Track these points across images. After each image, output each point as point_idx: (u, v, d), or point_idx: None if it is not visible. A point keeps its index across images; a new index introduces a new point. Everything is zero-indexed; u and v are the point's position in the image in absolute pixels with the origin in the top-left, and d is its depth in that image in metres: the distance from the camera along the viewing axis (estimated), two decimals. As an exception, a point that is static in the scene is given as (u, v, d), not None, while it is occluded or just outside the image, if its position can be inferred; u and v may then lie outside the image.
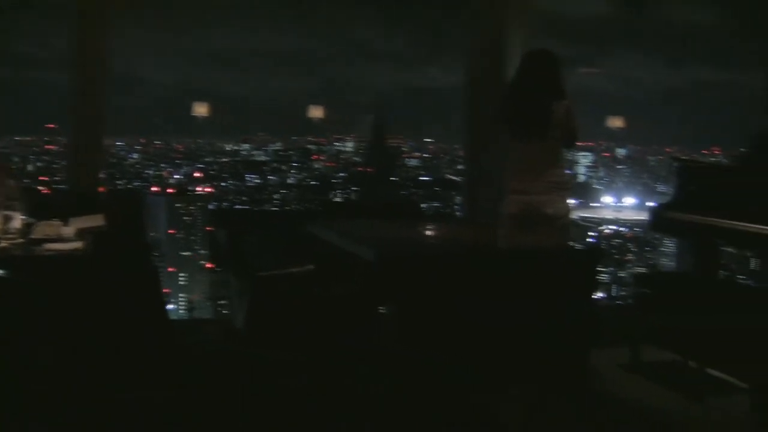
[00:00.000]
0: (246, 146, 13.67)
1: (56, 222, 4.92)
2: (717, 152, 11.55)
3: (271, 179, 13.45)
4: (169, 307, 10.95)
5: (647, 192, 12.99)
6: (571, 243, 5.68)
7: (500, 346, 4.59)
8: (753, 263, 7.46)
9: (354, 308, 5.40)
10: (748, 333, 5.03)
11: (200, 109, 12.69)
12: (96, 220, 5.20)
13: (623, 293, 11.48)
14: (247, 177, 13.36)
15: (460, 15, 7.69)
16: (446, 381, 4.62)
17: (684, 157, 6.56)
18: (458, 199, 10.91)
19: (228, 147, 13.69)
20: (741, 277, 8.30)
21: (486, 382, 4.74)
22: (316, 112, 13.32)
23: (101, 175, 6.75)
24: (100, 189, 6.68)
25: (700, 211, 5.67)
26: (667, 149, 12.83)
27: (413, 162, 13.83)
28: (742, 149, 6.32)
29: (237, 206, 12.92)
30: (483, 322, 4.49)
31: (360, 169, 13.73)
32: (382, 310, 5.15)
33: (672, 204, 6.10)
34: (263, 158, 13.59)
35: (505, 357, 4.63)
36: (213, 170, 13.48)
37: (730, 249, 7.16)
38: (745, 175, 5.78)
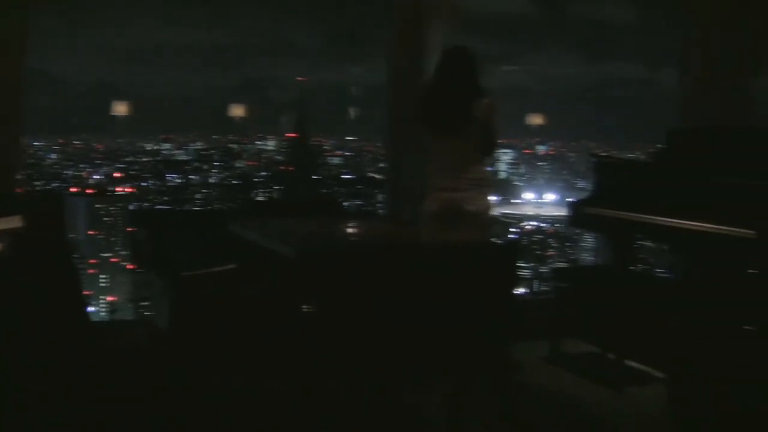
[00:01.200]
0: (167, 145, 13.53)
1: (-28, 224, 4.84)
2: (635, 148, 11.72)
3: (193, 179, 13.33)
4: (91, 309, 10.81)
5: (568, 188, 13.13)
6: (492, 239, 5.75)
7: (423, 342, 4.62)
8: (669, 257, 7.60)
9: (276, 307, 5.39)
10: (665, 324, 5.14)
11: (120, 108, 12.53)
12: (13, 222, 5.12)
13: (545, 288, 11.60)
14: (169, 177, 13.23)
15: (381, 12, 7.70)
16: (369, 379, 4.64)
17: (602, 153, 6.65)
18: (381, 196, 10.92)
19: (148, 146, 13.53)
20: (659, 270, 8.45)
21: (410, 379, 4.77)
22: (237, 111, 13.23)
23: (18, 176, 6.63)
24: (18, 190, 6.56)
25: (617, 206, 5.76)
26: (587, 145, 12.99)
27: (336, 160, 13.80)
28: (658, 145, 6.43)
29: (158, 206, 12.78)
30: (406, 318, 4.52)
31: (282, 167, 13.67)
32: (304, 308, 5.15)
33: (590, 199, 6.19)
34: (184, 157, 13.46)
35: (428, 353, 4.67)
36: (134, 170, 13.32)
37: (648, 243, 7.29)
38: (659, 171, 5.89)
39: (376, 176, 12.48)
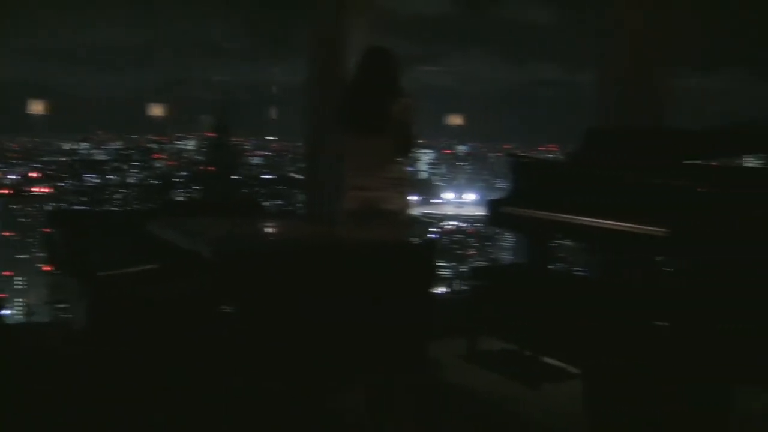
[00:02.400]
0: (85, 145, 13.36)
1: None
2: (553, 149, 11.87)
3: (111, 179, 13.19)
4: (6, 312, 10.64)
5: (488, 188, 13.26)
6: (411, 238, 5.78)
7: (342, 341, 4.63)
8: (586, 255, 7.70)
9: (196, 307, 5.36)
10: (580, 322, 5.22)
11: (36, 107, 12.35)
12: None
13: (465, 287, 11.68)
14: (86, 177, 13.06)
15: (302, 13, 7.70)
16: (290, 377, 4.64)
17: (519, 154, 6.72)
18: (301, 196, 10.94)
19: (66, 146, 13.35)
20: (577, 269, 8.56)
21: (330, 377, 4.78)
22: (156, 110, 13.13)
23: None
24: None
25: (533, 206, 5.83)
26: (506, 146, 13.13)
27: (256, 160, 13.77)
28: (574, 145, 6.51)
29: (76, 207, 12.61)
30: (325, 317, 4.53)
31: (202, 167, 13.59)
32: (224, 308, 5.13)
33: (507, 199, 6.25)
34: (103, 157, 13.31)
35: (347, 351, 4.68)
36: (51, 170, 13.13)
37: (565, 242, 7.38)
38: (575, 170, 5.97)
39: (297, 176, 12.48)
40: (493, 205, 6.24)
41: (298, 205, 11.59)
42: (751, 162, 8.61)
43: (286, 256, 4.83)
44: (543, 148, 12.08)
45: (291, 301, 4.57)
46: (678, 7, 7.27)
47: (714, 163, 5.76)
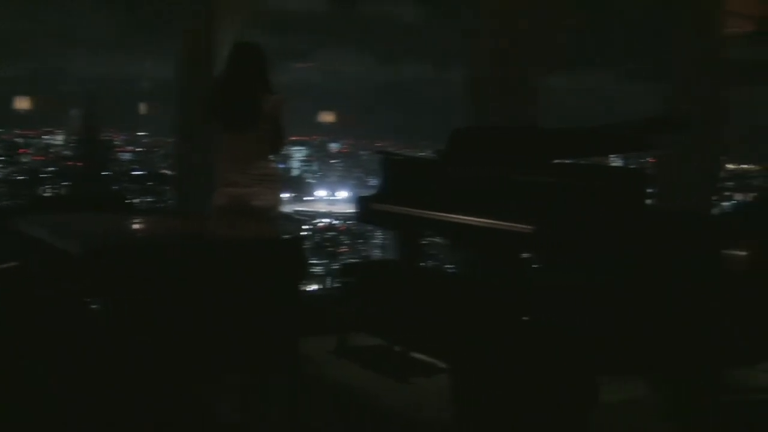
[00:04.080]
0: (-54, 139, 12.95)
1: None
2: (425, 146, 11.97)
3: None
4: None
5: (360, 185, 13.31)
6: (281, 235, 5.78)
7: (211, 339, 4.60)
8: (455, 252, 7.81)
9: (63, 304, 5.26)
10: (450, 318, 5.29)
11: None
12: None
13: (336, 284, 11.72)
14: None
15: (174, 7, 7.61)
16: (159, 374, 4.59)
17: (389, 151, 6.77)
18: (172, 192, 10.81)
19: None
20: (448, 265, 8.68)
21: (201, 373, 4.74)
22: (23, 103, 12.80)
23: None
24: None
25: (403, 203, 5.88)
26: (378, 143, 13.20)
27: (126, 156, 13.55)
28: (444, 143, 6.58)
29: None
30: (192, 314, 4.49)
31: (71, 163, 13.31)
32: (92, 304, 5.04)
33: (378, 196, 6.29)
34: (-35, 152, 12.92)
35: (216, 349, 4.66)
36: None
37: (437, 239, 7.47)
38: (444, 168, 6.04)
39: (168, 172, 12.32)
40: (363, 202, 6.27)
41: (169, 201, 11.45)
42: (616, 161, 8.88)
43: (155, 252, 4.78)
44: (415, 146, 12.16)
45: (157, 298, 4.52)
46: (544, 8, 7.44)
47: (581, 162, 5.90)
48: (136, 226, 5.87)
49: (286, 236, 5.56)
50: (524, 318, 4.98)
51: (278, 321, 4.77)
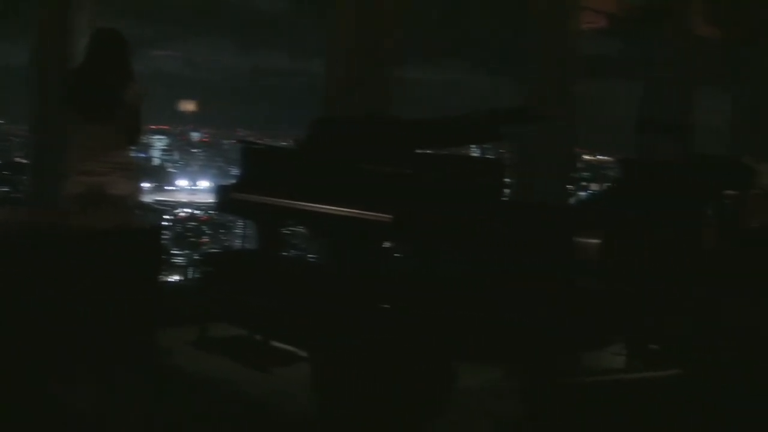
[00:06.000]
0: None
1: None
2: (286, 136, 11.95)
3: None
4: None
5: (222, 175, 13.19)
6: (138, 225, 5.71)
7: (66, 331, 4.53)
8: (316, 242, 7.84)
9: None
10: (311, 306, 5.33)
11: None
12: None
13: (197, 274, 11.60)
14: None
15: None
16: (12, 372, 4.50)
17: (249, 140, 6.76)
18: (28, 182, 10.54)
19: None
20: (310, 255, 8.70)
21: (54, 369, 4.66)
22: None
23: None
24: None
25: (264, 192, 5.87)
26: (239, 132, 13.11)
27: (-21, 145, 13.13)
28: (304, 133, 6.59)
29: None
30: (47, 306, 4.42)
31: None
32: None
33: (238, 185, 6.27)
34: None
35: (69, 340, 4.59)
36: None
37: (297, 229, 7.49)
38: (305, 158, 6.05)
39: (23, 161, 11.99)
40: (223, 192, 6.25)
41: (25, 191, 11.17)
42: (475, 151, 9.04)
43: (5, 244, 4.67)
44: (276, 136, 12.12)
45: (10, 290, 4.43)
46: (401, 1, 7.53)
47: (439, 153, 6.00)
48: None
49: (143, 226, 5.49)
50: (384, 306, 5.05)
51: (134, 312, 4.73)
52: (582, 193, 12.00)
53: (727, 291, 6.00)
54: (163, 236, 6.91)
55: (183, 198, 12.93)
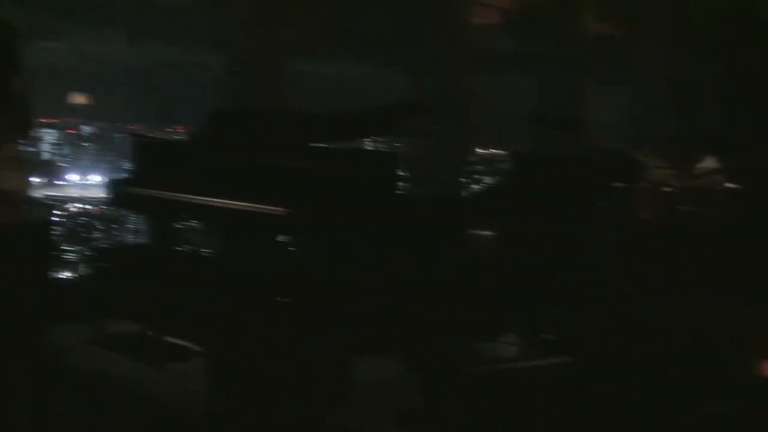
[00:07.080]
0: None
1: None
2: (179, 130, 11.83)
3: None
4: None
5: (114, 169, 13.00)
6: (28, 221, 5.60)
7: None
8: (211, 236, 7.77)
9: None
10: (205, 301, 5.30)
11: None
12: None
13: (89, 270, 11.40)
14: None
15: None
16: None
17: (141, 133, 6.68)
18: None
19: None
20: (205, 249, 8.61)
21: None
22: None
23: None
24: None
25: (156, 186, 5.81)
26: (131, 126, 12.93)
27: None
28: (198, 126, 6.53)
29: None
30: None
31: None
32: None
33: (130, 179, 6.19)
34: None
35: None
36: None
37: (191, 223, 7.41)
38: (199, 151, 6.01)
39: None
40: (114, 186, 6.16)
41: None
42: (369, 145, 9.08)
43: None
44: (169, 129, 11.99)
45: None
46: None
47: (334, 146, 6.01)
48: None
49: (34, 222, 5.40)
50: (280, 300, 5.05)
51: (25, 310, 4.66)
52: (475, 186, 12.13)
53: (618, 283, 6.17)
54: (54, 232, 6.79)
55: (74, 193, 12.71)
